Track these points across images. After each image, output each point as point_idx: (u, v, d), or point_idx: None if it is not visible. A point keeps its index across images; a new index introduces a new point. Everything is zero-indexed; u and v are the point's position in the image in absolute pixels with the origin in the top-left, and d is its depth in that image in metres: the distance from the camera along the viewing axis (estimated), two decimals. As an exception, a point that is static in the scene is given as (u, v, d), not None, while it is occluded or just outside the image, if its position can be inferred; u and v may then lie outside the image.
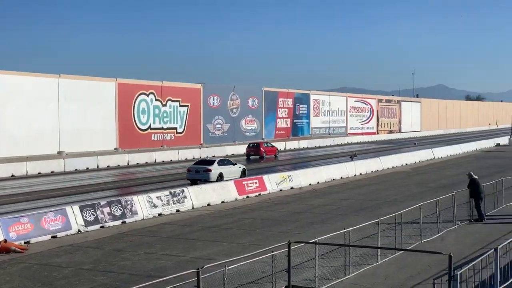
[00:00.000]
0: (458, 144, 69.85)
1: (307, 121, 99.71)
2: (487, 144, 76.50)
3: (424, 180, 40.54)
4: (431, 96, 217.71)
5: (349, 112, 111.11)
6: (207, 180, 37.94)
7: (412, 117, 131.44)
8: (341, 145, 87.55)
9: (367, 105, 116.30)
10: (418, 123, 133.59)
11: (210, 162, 40.31)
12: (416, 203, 23.89)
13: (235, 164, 41.72)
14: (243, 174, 41.38)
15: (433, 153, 59.87)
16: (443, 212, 23.80)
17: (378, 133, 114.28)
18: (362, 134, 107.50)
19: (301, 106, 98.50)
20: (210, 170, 39.02)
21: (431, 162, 55.24)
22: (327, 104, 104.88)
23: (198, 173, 38.89)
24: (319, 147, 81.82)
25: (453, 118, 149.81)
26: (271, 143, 67.29)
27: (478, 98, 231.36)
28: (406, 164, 52.56)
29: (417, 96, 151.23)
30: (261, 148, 62.43)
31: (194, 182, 38.02)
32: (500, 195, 29.11)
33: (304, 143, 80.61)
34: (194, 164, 40.63)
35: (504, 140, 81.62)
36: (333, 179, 41.02)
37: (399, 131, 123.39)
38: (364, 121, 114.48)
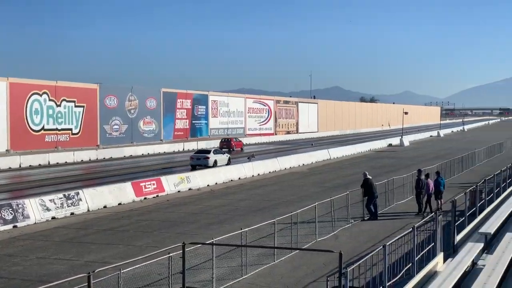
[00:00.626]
0: (353, 145, 70.98)
1: (206, 122, 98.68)
2: (380, 144, 78.53)
3: (321, 180, 40.67)
4: (327, 97, 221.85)
5: (247, 113, 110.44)
6: (206, 165, 47.76)
7: (309, 118, 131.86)
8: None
9: (265, 106, 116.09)
10: (315, 124, 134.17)
11: (208, 151, 50.96)
12: (312, 203, 23.94)
13: (224, 153, 52.46)
14: (229, 161, 51.41)
15: (329, 154, 60.59)
16: (338, 211, 24.05)
17: (276, 134, 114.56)
18: (260, 135, 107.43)
19: (199, 107, 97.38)
20: (208, 158, 49.06)
21: (327, 163, 55.48)
22: (225, 105, 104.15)
23: (200, 160, 48.95)
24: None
25: (348, 119, 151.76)
26: (239, 139, 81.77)
27: (372, 100, 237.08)
28: (303, 164, 52.90)
29: (314, 98, 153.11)
30: (232, 142, 75.49)
31: (194, 167, 47.67)
32: (392, 193, 29.59)
33: (202, 144, 79.35)
34: (195, 153, 51.27)
35: (395, 141, 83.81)
36: (231, 180, 40.74)
37: (297, 132, 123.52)
38: (262, 122, 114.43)
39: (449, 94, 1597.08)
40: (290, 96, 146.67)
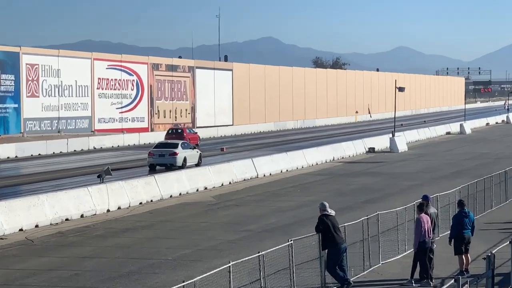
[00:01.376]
0: (302, 150, 52.31)
1: (16, 106, 66.30)
2: (354, 149, 59.19)
3: (237, 219, 29.42)
4: (252, 59, 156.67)
5: (98, 89, 75.14)
6: (173, 164, 42.17)
7: (217, 99, 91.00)
8: (82, 152, 61.31)
9: (131, 75, 79.26)
10: (228, 110, 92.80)
11: (174, 145, 44.43)
12: (220, 263, 14.61)
13: (194, 148, 46.45)
14: (200, 160, 45.51)
15: (256, 168, 43.19)
16: (272, 279, 17.01)
17: (153, 130, 79.74)
18: (122, 131, 73.84)
19: (2, 76, 64.66)
20: (176, 154, 42.97)
21: (250, 184, 41.01)
22: (54, 74, 70.00)
23: (164, 157, 42.97)
24: (40, 156, 56.86)
25: (291, 101, 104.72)
26: (194, 130, 71.28)
27: (337, 64, 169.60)
28: (205, 188, 37.56)
29: (226, 60, 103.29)
30: (185, 135, 63.07)
31: (154, 168, 42.48)
32: (376, 243, 21.62)
33: (9, 150, 55.88)
34: (155, 148, 44.68)
35: (382, 142, 63.92)
36: (67, 219, 27.60)
37: (193, 125, 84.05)
38: (127, 106, 78.99)
39: (476, 56, 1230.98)
40: (180, 56, 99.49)
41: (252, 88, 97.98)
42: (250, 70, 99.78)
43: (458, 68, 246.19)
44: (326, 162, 52.97)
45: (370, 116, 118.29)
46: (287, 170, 47.57)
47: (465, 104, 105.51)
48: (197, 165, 44.03)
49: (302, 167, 49.50)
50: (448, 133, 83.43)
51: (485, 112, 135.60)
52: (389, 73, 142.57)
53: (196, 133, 68.19)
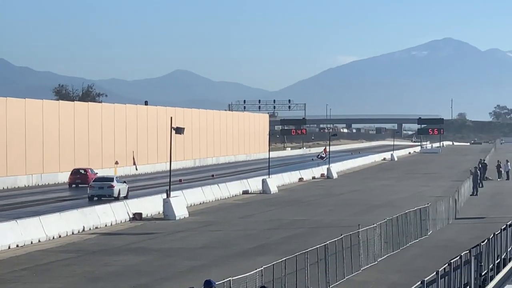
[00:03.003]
0: (28, 220, 51.41)
1: None
2: (116, 215, 60.52)
3: None
4: None
5: None
6: (111, 195, 70.47)
7: None
8: None
9: None
10: None
11: (110, 178, 75.11)
12: None
13: (123, 182, 75.50)
14: (127, 193, 74.79)
15: None
16: None
17: None
18: None
19: None
20: (113, 186, 71.91)
21: None
22: None
23: (103, 189, 71.84)
24: None
25: (23, 150, 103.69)
26: (94, 170, 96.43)
27: (89, 94, 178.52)
28: None
29: None
30: (88, 175, 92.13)
31: (92, 199, 71.42)
32: None
33: None
34: (94, 181, 73.94)
35: (153, 207, 65.57)
36: None
37: None
38: None
39: (285, 84, 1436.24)
40: None
41: None
42: None
43: (259, 101, 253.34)
44: (73, 233, 54.67)
45: (136, 169, 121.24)
46: (18, 246, 47.85)
47: (269, 151, 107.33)
48: (125, 198, 69.16)
49: (39, 240, 50.44)
50: (245, 192, 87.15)
51: (298, 163, 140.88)
52: (162, 108, 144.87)
53: (97, 173, 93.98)
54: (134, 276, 38.86)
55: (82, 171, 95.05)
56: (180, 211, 65.55)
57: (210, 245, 50.06)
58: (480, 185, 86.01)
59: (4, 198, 79.74)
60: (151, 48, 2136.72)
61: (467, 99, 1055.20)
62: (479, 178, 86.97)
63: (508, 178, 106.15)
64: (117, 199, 67.95)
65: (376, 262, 43.22)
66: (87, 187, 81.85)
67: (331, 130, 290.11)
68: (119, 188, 71.48)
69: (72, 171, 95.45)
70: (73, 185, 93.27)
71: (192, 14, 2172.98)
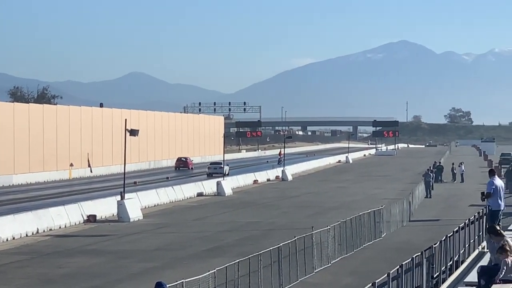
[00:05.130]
0: None
1: None
2: (70, 217, 59.84)
3: None
4: None
5: None
6: (223, 173, 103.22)
7: None
8: None
9: None
10: None
11: (220, 162, 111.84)
12: None
13: (227, 164, 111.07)
14: (228, 172, 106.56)
15: None
16: None
17: None
18: None
19: None
20: (222, 167, 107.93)
21: None
22: None
23: (217, 169, 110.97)
24: None
25: None
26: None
27: (44, 96, 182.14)
28: None
29: None
30: (189, 162, 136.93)
31: (210, 175, 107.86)
32: None
33: None
34: (211, 164, 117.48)
35: (107, 209, 65.15)
36: None
37: None
38: None
39: (240, 87, 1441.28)
40: None
41: None
42: None
43: (215, 103, 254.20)
44: (27, 235, 54.34)
45: (91, 171, 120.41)
46: None
47: (224, 153, 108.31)
48: (227, 174, 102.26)
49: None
50: (200, 194, 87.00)
51: (253, 165, 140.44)
52: (118, 110, 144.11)
53: (192, 160, 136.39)
54: (87, 278, 38.84)
55: (184, 159, 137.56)
56: (134, 213, 65.06)
57: (164, 247, 50.07)
58: (431, 188, 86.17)
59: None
60: (106, 50, 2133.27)
61: (423, 102, 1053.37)
62: (431, 180, 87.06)
63: (462, 181, 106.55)
64: (227, 175, 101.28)
65: (329, 264, 43.21)
66: (187, 170, 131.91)
67: (286, 132, 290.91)
68: (226, 168, 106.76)
69: (177, 159, 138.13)
70: (178, 168, 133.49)
71: (148, 16, 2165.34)
